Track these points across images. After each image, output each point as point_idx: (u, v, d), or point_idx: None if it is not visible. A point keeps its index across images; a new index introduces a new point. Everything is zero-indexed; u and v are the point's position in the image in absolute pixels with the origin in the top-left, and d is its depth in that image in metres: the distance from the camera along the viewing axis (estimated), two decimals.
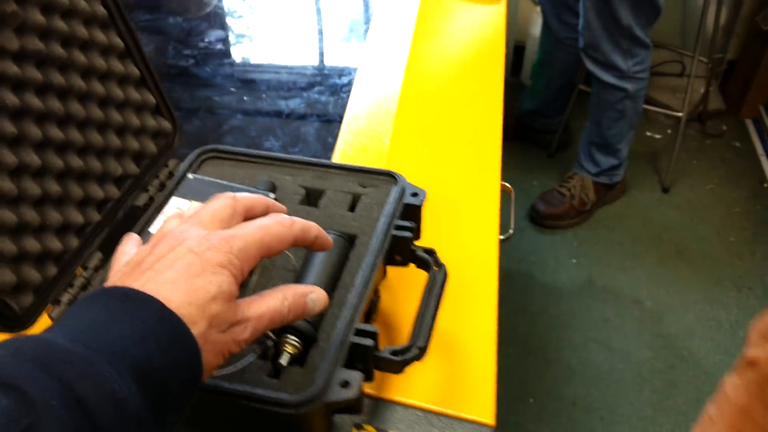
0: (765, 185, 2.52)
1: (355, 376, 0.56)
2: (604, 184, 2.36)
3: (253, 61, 1.21)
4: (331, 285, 0.64)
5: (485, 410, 0.69)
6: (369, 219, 0.71)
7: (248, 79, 1.11)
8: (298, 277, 0.65)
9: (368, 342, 0.59)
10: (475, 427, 0.67)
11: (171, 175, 0.77)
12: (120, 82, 0.72)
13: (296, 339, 0.59)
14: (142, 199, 0.74)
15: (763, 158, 2.62)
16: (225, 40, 1.26)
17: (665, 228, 2.37)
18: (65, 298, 0.64)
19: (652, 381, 1.90)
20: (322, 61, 1.26)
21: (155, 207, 0.72)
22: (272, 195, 0.73)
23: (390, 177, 0.75)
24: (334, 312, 0.62)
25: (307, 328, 0.59)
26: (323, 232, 0.54)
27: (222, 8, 1.36)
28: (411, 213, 0.72)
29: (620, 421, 1.81)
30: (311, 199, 0.76)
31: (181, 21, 1.25)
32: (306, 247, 0.54)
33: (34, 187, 0.61)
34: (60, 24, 0.64)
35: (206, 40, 1.23)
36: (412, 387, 0.69)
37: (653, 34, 2.08)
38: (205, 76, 1.11)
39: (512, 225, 0.95)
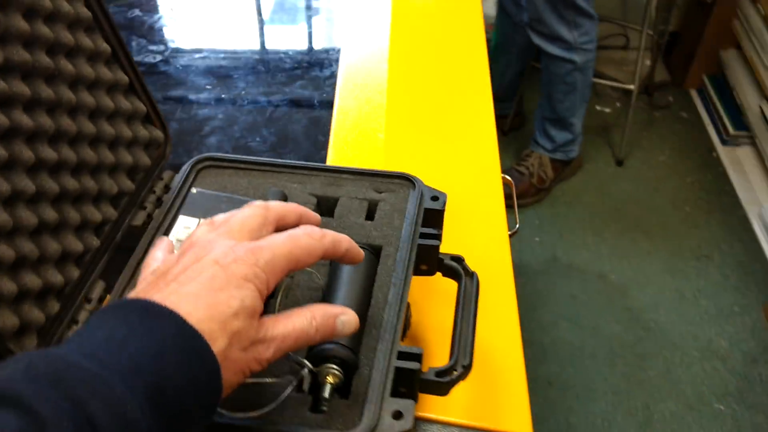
0: (714, 154, 2.57)
1: (407, 405, 0.52)
2: (561, 160, 2.36)
3: (224, 53, 1.13)
4: (364, 302, 0.59)
5: (522, 422, 0.66)
6: (391, 228, 0.66)
7: (224, 75, 1.04)
8: (325, 296, 0.60)
9: (414, 365, 0.55)
10: None
11: (167, 188, 0.71)
12: (109, 90, 0.65)
13: (337, 368, 0.54)
14: (140, 218, 0.67)
15: (710, 128, 2.66)
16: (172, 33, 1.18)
17: (622, 201, 2.39)
18: (70, 336, 0.58)
19: (624, 355, 1.92)
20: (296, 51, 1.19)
21: (155, 226, 0.65)
22: None
23: (406, 180, 0.71)
24: (372, 333, 0.58)
25: (349, 356, 0.54)
26: (354, 244, 0.51)
27: None
28: (433, 218, 0.68)
29: (596, 397, 1.82)
30: (323, 207, 0.70)
31: (142, 15, 1.16)
32: (336, 261, 0.51)
33: (29, 216, 0.55)
34: (44, 30, 0.57)
35: (169, 34, 1.15)
36: (448, 403, 0.65)
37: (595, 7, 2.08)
38: (176, 73, 1.03)
39: (517, 219, 0.91)
